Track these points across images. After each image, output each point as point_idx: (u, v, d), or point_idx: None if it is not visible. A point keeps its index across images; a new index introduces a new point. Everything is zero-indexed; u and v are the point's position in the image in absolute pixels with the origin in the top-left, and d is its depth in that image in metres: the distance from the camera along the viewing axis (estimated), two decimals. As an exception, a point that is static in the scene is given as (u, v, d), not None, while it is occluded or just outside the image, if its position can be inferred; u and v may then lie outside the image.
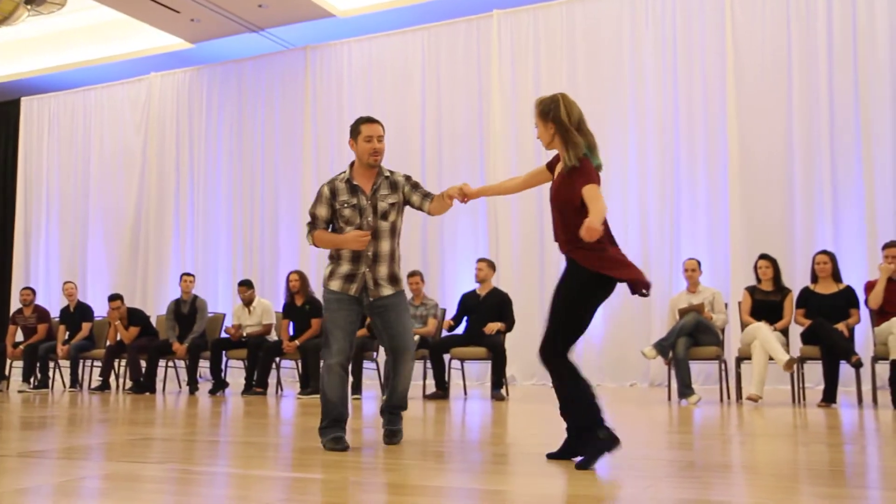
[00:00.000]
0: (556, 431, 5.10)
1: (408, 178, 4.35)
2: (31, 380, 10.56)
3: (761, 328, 7.16)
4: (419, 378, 8.99)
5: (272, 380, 9.26)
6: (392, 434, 4.33)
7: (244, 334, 9.52)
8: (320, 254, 11.63)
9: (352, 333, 4.18)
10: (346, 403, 4.15)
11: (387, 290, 4.21)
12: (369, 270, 4.18)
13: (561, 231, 3.72)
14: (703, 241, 9.60)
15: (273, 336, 9.54)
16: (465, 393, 8.97)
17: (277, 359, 9.30)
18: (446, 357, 8.36)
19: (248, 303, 9.69)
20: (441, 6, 10.85)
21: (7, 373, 10.99)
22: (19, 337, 11.10)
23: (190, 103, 13.00)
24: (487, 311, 8.32)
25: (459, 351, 8.35)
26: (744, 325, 7.55)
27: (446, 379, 8.31)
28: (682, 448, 4.41)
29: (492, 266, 8.61)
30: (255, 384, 8.96)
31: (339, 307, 4.16)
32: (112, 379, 10.26)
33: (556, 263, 10.13)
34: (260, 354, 9.05)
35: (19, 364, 10.85)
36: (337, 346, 4.10)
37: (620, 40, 10.18)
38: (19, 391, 10.26)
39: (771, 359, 7.02)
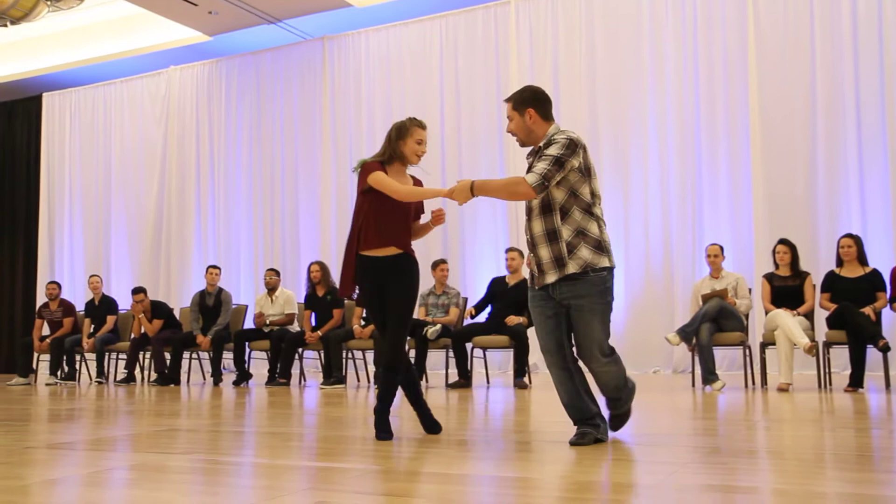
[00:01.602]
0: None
1: None
2: (58, 372, 10.70)
3: (781, 314, 7.12)
4: (441, 367, 9.02)
5: (295, 370, 9.32)
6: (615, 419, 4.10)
7: (267, 322, 9.60)
8: (341, 244, 11.68)
9: (548, 328, 3.88)
10: (576, 402, 3.87)
11: (551, 277, 3.81)
12: (534, 256, 3.93)
13: (404, 230, 4.21)
14: (725, 226, 9.53)
15: (295, 327, 9.59)
16: (488, 381, 8.98)
17: (300, 349, 9.35)
18: (468, 346, 8.38)
19: (271, 288, 9.77)
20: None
21: (34, 366, 11.13)
22: (46, 330, 11.24)
23: (209, 96, 13.06)
24: (513, 299, 8.31)
25: (482, 339, 8.35)
26: (766, 312, 7.51)
27: (469, 368, 8.33)
28: (707, 434, 4.39)
29: (522, 255, 8.62)
30: (279, 375, 9.02)
31: (532, 306, 3.98)
32: (137, 371, 10.37)
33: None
34: (283, 345, 9.10)
35: (46, 357, 11.00)
36: (542, 347, 3.93)
37: (639, 23, 10.10)
38: (47, 384, 10.39)
39: (795, 345, 6.98)
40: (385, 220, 4.15)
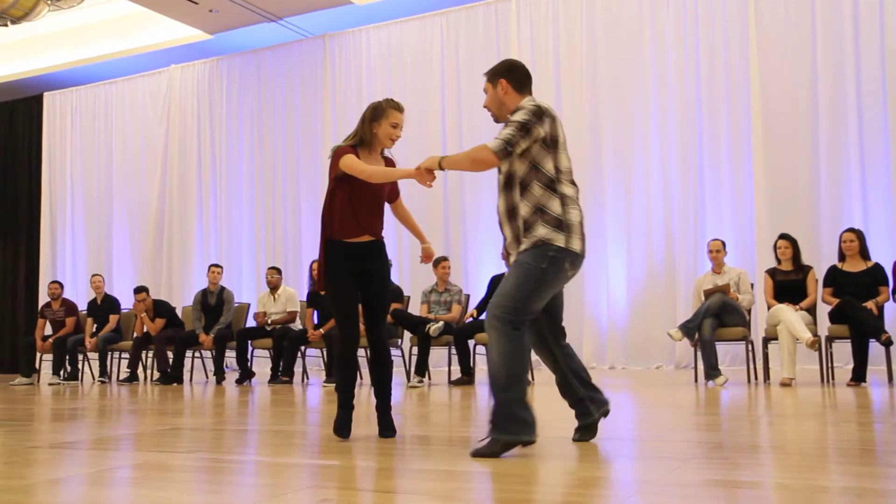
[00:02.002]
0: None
1: None
2: (61, 372, 10.71)
3: (783, 309, 7.12)
4: (444, 364, 9.02)
5: (298, 368, 9.32)
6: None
7: (269, 321, 9.61)
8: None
9: None
10: (565, 382, 3.74)
11: (513, 257, 3.58)
12: (503, 236, 3.70)
13: (378, 218, 4.14)
14: (727, 221, 9.52)
15: (298, 325, 9.60)
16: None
17: (302, 348, 9.36)
18: (471, 343, 8.37)
19: (274, 287, 9.78)
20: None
21: (37, 366, 11.14)
22: (48, 330, 11.26)
23: (210, 94, 13.05)
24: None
25: (484, 336, 8.32)
26: (769, 307, 7.50)
27: (472, 364, 8.33)
28: (710, 430, 4.39)
29: None
30: (281, 373, 9.02)
31: None
32: (140, 370, 10.38)
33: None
34: (285, 344, 9.10)
35: (49, 357, 11.01)
36: None
37: (640, 19, 10.09)
38: (50, 384, 10.40)
39: (798, 340, 6.97)
40: (360, 208, 4.05)
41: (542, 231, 3.45)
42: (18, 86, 14.44)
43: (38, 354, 11.11)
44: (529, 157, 3.50)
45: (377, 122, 4.06)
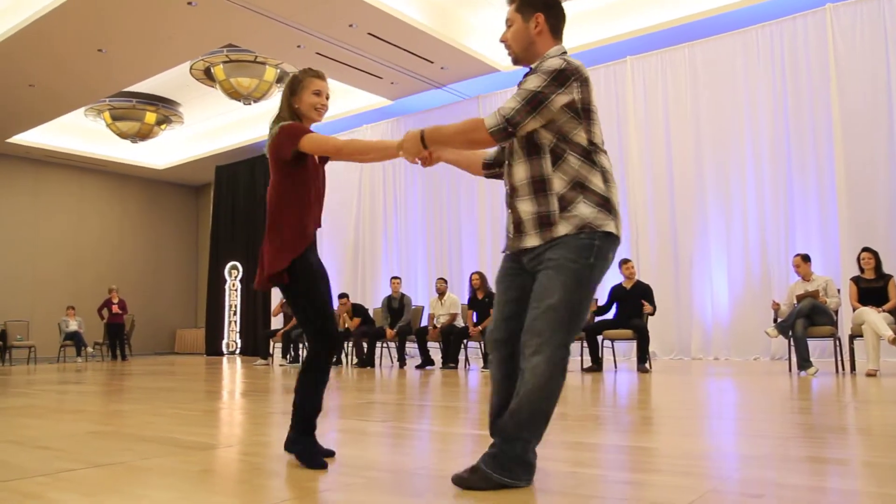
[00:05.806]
0: (694, 398, 4.91)
1: None
2: (287, 356, 11.25)
3: (867, 311, 6.60)
4: (577, 354, 8.86)
5: (461, 357, 9.39)
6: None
7: (435, 323, 9.73)
8: (496, 258, 11.72)
9: (507, 313, 2.31)
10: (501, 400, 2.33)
11: (531, 240, 2.23)
12: (511, 213, 2.34)
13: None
14: (815, 236, 8.90)
15: (460, 323, 9.69)
16: (616, 367, 8.75)
17: (465, 341, 9.44)
18: (599, 338, 8.21)
19: (441, 293, 9.93)
20: (583, 56, 10.65)
21: (271, 351, 11.76)
22: (276, 325, 11.85)
23: (392, 146, 13.38)
24: (634, 300, 8.11)
25: (610, 332, 8.17)
26: (854, 309, 6.98)
27: (600, 355, 8.16)
28: (804, 413, 4.11)
29: (634, 266, 8.44)
30: (449, 361, 9.13)
31: (498, 281, 2.39)
32: (342, 356, 10.76)
33: (688, 257, 9.70)
34: (451, 338, 9.21)
35: (279, 345, 11.60)
36: (490, 335, 2.37)
37: (735, 69, 9.62)
38: (280, 364, 10.95)
39: (881, 337, 6.44)
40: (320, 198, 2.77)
41: (584, 209, 2.17)
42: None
43: (272, 343, 11.73)
44: (555, 128, 2.21)
45: (297, 95, 2.72)
